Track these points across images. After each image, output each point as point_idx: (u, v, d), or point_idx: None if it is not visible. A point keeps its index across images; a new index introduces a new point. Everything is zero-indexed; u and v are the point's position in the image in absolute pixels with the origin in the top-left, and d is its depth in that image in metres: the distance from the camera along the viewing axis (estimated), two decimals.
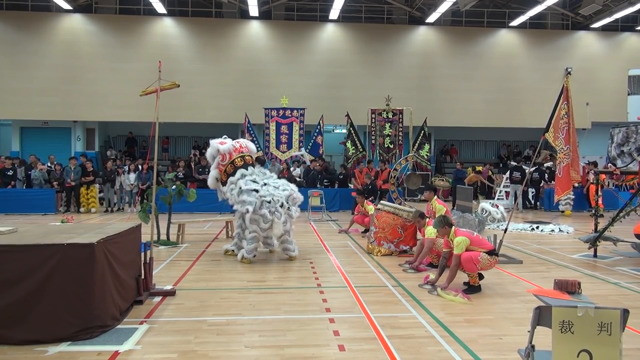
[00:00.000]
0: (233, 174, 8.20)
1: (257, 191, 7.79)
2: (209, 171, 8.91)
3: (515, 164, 17.96)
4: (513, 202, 16.36)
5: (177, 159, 20.17)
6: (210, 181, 8.53)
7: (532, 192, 17.37)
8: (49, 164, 16.57)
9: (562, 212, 15.47)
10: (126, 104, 21.12)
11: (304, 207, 14.21)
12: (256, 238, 7.86)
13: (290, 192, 8.05)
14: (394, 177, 15.35)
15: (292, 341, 4.46)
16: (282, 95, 18.76)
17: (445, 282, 6.04)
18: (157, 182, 7.10)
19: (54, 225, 7.20)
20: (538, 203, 17.40)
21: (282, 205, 7.82)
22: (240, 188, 7.90)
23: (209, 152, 8.52)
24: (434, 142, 26.13)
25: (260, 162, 8.91)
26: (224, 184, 8.32)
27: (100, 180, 15.93)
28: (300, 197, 8.20)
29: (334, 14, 22.60)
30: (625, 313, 2.81)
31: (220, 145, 8.35)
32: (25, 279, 4.29)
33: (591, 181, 13.95)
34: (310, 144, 17.92)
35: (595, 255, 8.57)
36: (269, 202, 7.70)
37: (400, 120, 18.41)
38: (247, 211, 7.61)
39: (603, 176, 13.51)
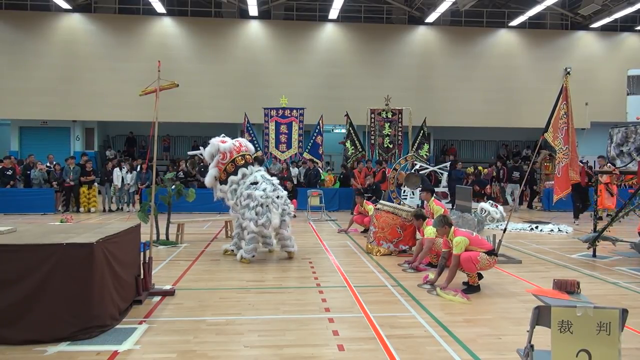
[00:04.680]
0: (234, 172, 8.20)
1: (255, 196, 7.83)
2: (206, 170, 8.87)
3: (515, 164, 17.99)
4: (511, 202, 16.39)
5: (176, 159, 20.16)
6: (209, 180, 8.47)
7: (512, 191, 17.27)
8: (47, 164, 16.55)
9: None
10: (125, 103, 21.11)
11: (303, 206, 14.33)
12: (255, 238, 7.86)
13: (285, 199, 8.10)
14: (393, 177, 15.35)
15: (291, 341, 4.46)
16: (281, 95, 18.77)
17: (445, 282, 6.05)
18: (156, 182, 7.09)
19: (53, 225, 7.20)
20: (533, 203, 17.56)
21: (278, 197, 7.85)
22: (242, 203, 7.92)
23: (207, 151, 8.47)
24: (433, 142, 26.15)
25: (259, 161, 8.91)
26: (223, 182, 8.31)
27: (99, 180, 15.91)
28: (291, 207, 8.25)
29: (334, 13, 22.60)
30: (624, 313, 2.81)
31: (221, 143, 8.35)
32: (24, 279, 4.29)
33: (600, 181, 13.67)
34: (310, 143, 17.93)
35: (594, 255, 8.58)
36: (266, 198, 7.72)
37: (400, 120, 18.44)
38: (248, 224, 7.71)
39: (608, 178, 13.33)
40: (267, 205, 7.66)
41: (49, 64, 21.82)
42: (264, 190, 7.84)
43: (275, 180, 8.27)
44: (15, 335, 4.23)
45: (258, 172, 8.28)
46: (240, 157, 8.32)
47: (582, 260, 8.38)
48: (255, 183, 7.99)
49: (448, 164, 16.64)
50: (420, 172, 15.79)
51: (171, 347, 4.29)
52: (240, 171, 8.19)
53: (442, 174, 16.14)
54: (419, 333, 4.69)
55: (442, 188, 15.80)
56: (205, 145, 8.77)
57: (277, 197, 7.88)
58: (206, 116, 22.35)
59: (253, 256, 7.84)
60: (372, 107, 18.52)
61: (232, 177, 8.19)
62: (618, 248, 9.16)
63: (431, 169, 16.10)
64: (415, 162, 15.98)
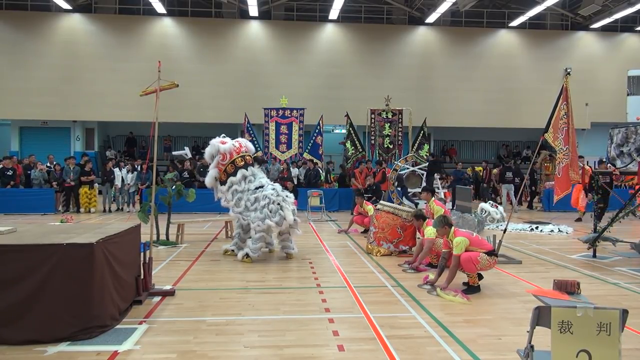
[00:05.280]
0: (233, 173, 8.22)
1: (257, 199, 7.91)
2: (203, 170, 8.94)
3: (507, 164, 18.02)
4: (506, 202, 16.39)
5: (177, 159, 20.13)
6: (209, 180, 8.51)
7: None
8: (48, 164, 16.56)
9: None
10: (125, 104, 21.13)
11: (303, 207, 14.32)
12: (263, 237, 7.91)
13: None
14: (394, 177, 15.34)
15: (291, 341, 4.46)
16: (281, 95, 18.77)
17: (445, 282, 6.05)
18: (156, 182, 7.10)
19: (53, 225, 7.20)
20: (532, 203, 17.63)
21: (287, 196, 8.02)
22: (246, 206, 8.01)
23: (208, 151, 8.51)
24: (434, 142, 26.17)
25: (259, 161, 8.93)
26: (223, 183, 8.34)
27: (100, 180, 15.91)
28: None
29: (334, 14, 22.61)
30: (625, 313, 2.81)
31: (221, 144, 8.37)
32: (25, 279, 4.29)
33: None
34: (310, 144, 17.93)
35: (594, 256, 8.58)
36: (277, 196, 7.85)
37: (400, 120, 18.43)
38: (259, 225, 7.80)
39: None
40: (279, 203, 7.74)
41: (49, 64, 21.83)
42: (273, 189, 7.99)
43: (278, 186, 8.33)
44: (15, 335, 4.23)
45: (263, 178, 8.37)
46: (240, 159, 8.33)
47: (583, 261, 8.38)
48: (261, 187, 8.08)
49: (426, 164, 16.70)
50: (399, 173, 15.85)
51: (171, 348, 4.29)
52: (240, 172, 8.21)
53: (422, 174, 16.21)
54: (419, 333, 4.69)
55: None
56: (205, 145, 8.80)
57: (287, 196, 8.04)
58: (206, 116, 22.37)
59: (258, 255, 7.87)
60: (372, 107, 18.51)
61: (231, 178, 8.23)
62: (618, 248, 9.16)
63: (411, 169, 16.15)
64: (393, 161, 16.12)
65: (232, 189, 8.21)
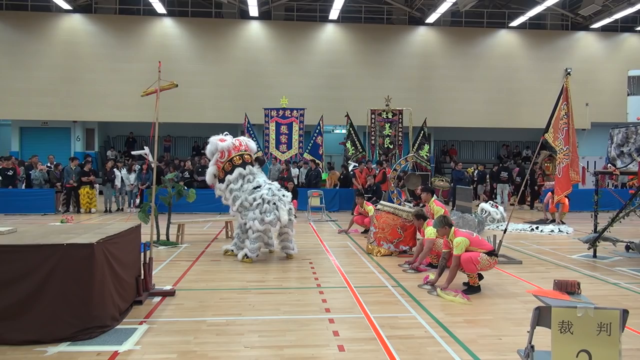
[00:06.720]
0: (231, 172, 8.24)
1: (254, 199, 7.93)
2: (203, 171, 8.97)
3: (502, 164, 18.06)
4: (502, 202, 16.43)
5: (175, 159, 20.13)
6: (208, 177, 8.60)
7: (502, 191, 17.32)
8: (48, 164, 16.56)
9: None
10: (126, 104, 21.13)
11: (303, 207, 14.33)
12: (260, 237, 7.91)
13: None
14: (394, 177, 15.35)
15: (291, 341, 4.46)
16: (281, 95, 18.78)
17: (445, 282, 6.05)
18: (157, 182, 7.10)
19: (53, 225, 7.21)
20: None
21: (284, 195, 8.04)
22: (242, 204, 8.02)
23: (208, 149, 8.56)
24: (434, 142, 26.14)
25: (260, 162, 8.93)
26: (221, 181, 8.36)
27: (100, 180, 15.90)
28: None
29: (334, 14, 22.60)
30: (625, 313, 2.81)
31: (219, 142, 8.39)
32: (25, 279, 4.29)
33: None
34: (310, 144, 17.93)
35: (594, 256, 8.58)
36: (273, 195, 7.88)
37: (400, 120, 18.43)
38: (251, 226, 7.82)
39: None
40: (274, 203, 7.76)
41: (49, 64, 21.83)
42: (269, 189, 7.98)
43: (275, 186, 8.33)
44: (15, 335, 4.24)
45: (260, 178, 8.36)
46: (238, 157, 8.34)
47: (583, 261, 8.38)
48: (258, 187, 8.08)
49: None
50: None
51: (171, 348, 4.29)
52: (237, 170, 8.22)
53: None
54: (419, 334, 4.69)
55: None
56: (205, 146, 8.84)
57: (283, 195, 8.05)
58: (207, 117, 22.35)
59: (257, 255, 7.87)
60: (372, 107, 18.51)
61: (228, 176, 8.27)
62: (618, 248, 9.16)
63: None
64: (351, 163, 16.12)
65: (229, 187, 8.24)
